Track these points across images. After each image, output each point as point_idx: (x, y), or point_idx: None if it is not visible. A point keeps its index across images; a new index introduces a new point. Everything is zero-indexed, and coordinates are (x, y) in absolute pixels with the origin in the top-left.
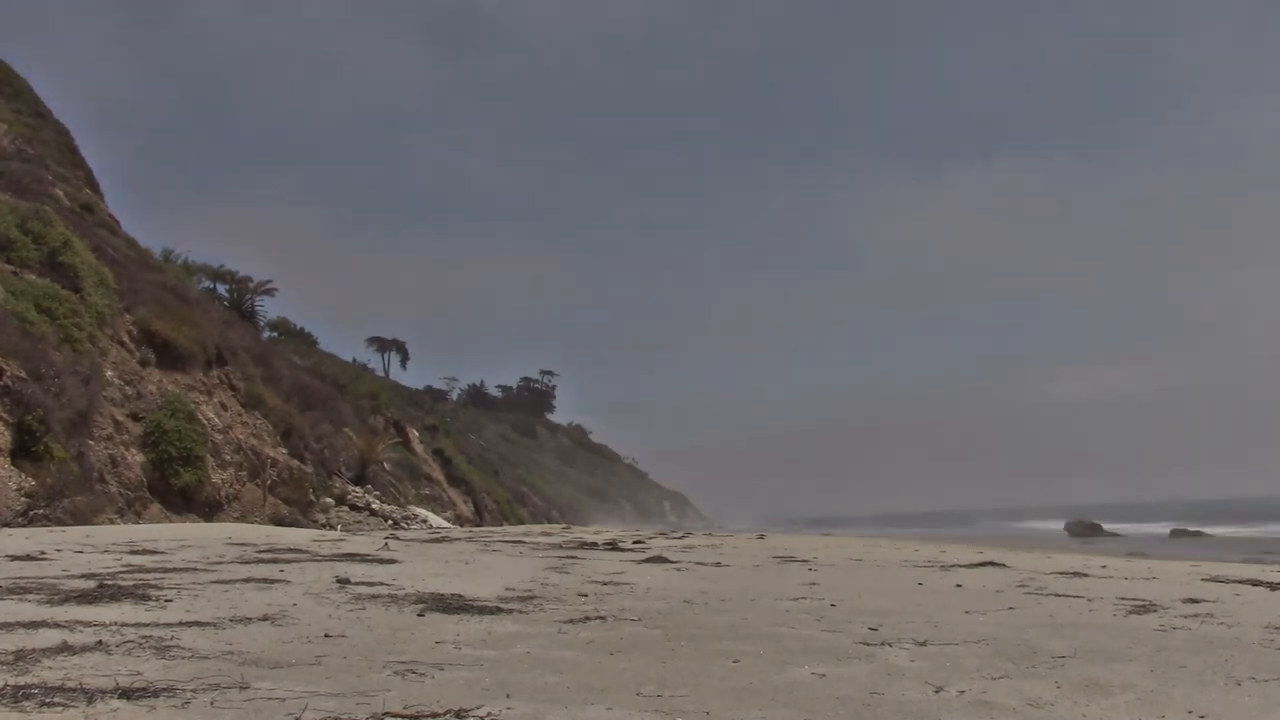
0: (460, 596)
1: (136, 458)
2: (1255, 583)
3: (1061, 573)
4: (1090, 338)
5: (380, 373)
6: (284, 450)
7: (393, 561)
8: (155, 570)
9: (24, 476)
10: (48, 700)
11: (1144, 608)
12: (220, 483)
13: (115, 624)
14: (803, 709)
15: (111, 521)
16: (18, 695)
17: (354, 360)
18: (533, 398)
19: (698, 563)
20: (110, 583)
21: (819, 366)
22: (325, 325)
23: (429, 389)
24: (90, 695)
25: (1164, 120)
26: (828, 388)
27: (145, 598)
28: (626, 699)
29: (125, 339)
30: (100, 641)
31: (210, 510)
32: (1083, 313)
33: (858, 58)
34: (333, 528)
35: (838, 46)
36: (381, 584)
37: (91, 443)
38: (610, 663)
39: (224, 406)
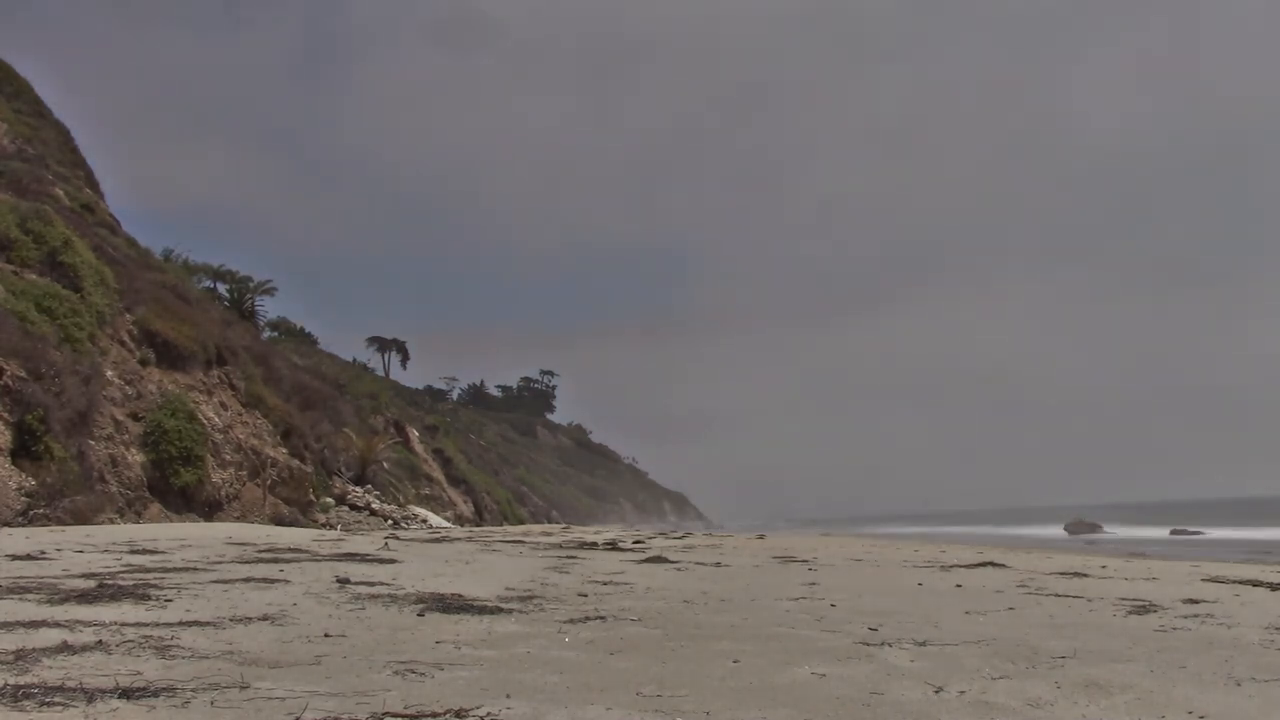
0: (460, 596)
1: (136, 457)
2: (1255, 583)
3: (1061, 573)
4: None
5: (380, 373)
6: (284, 450)
7: (393, 561)
8: (155, 570)
9: (24, 476)
10: (48, 700)
11: (1144, 608)
12: (220, 482)
13: (115, 624)
14: (803, 709)
15: (111, 521)
16: (18, 695)
17: (354, 360)
18: (533, 398)
19: (698, 563)
20: (110, 582)
21: None
22: (325, 325)
23: (429, 389)
24: (90, 695)
25: None
26: None
27: (145, 597)
28: (626, 699)
29: (125, 339)
30: (100, 641)
31: (210, 510)
32: None
33: None
34: (333, 527)
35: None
36: (381, 584)
37: (91, 442)
38: (610, 663)
39: (224, 406)
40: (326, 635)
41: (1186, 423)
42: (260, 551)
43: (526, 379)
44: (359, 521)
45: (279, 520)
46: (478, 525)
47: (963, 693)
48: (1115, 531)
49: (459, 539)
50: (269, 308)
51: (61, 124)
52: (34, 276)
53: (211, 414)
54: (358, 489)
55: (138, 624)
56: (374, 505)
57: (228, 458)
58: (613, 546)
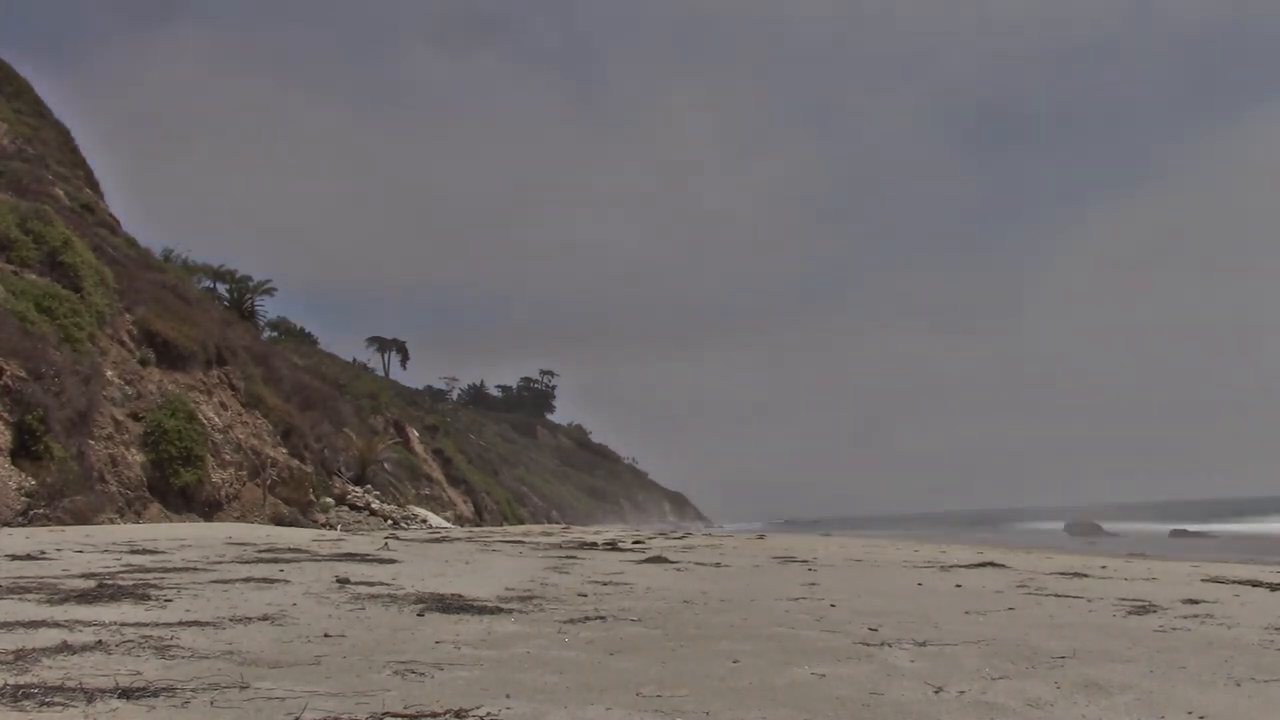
0: (460, 596)
1: (136, 457)
2: (1255, 583)
3: (1061, 573)
4: None
5: (380, 373)
6: (284, 450)
7: (393, 561)
8: (155, 570)
9: (24, 476)
10: (47, 700)
11: (1144, 608)
12: (220, 482)
13: (115, 623)
14: (802, 709)
15: (111, 521)
16: (18, 695)
17: (354, 360)
18: (533, 398)
19: (697, 563)
20: (110, 582)
21: None
22: (325, 325)
23: (429, 389)
24: (90, 695)
25: None
26: None
27: (145, 597)
28: (626, 699)
29: (125, 338)
30: (100, 641)
31: (210, 510)
32: None
33: None
34: (333, 527)
35: None
36: (381, 584)
37: (91, 442)
38: (610, 663)
39: (224, 406)
40: (326, 635)
41: (1186, 423)
42: (260, 551)
43: (526, 379)
44: (359, 521)
45: (279, 520)
46: (478, 525)
47: (962, 693)
48: (1116, 531)
49: (459, 539)
50: (269, 308)
51: (61, 124)
52: (34, 276)
53: (211, 414)
54: (358, 489)
55: (138, 624)
56: (374, 505)
57: (228, 458)
58: (612, 547)
